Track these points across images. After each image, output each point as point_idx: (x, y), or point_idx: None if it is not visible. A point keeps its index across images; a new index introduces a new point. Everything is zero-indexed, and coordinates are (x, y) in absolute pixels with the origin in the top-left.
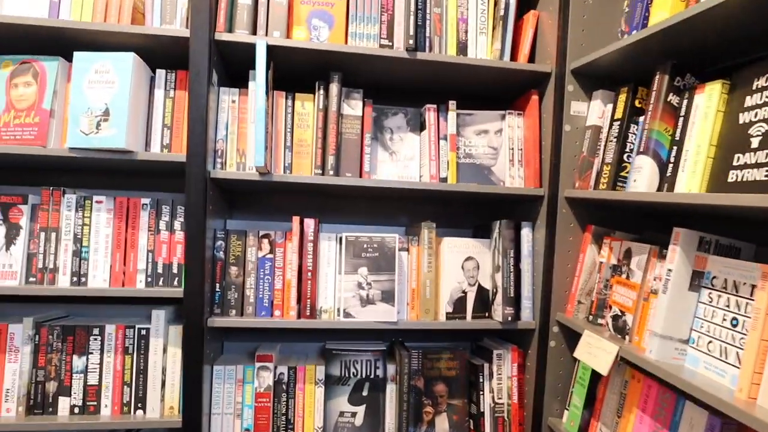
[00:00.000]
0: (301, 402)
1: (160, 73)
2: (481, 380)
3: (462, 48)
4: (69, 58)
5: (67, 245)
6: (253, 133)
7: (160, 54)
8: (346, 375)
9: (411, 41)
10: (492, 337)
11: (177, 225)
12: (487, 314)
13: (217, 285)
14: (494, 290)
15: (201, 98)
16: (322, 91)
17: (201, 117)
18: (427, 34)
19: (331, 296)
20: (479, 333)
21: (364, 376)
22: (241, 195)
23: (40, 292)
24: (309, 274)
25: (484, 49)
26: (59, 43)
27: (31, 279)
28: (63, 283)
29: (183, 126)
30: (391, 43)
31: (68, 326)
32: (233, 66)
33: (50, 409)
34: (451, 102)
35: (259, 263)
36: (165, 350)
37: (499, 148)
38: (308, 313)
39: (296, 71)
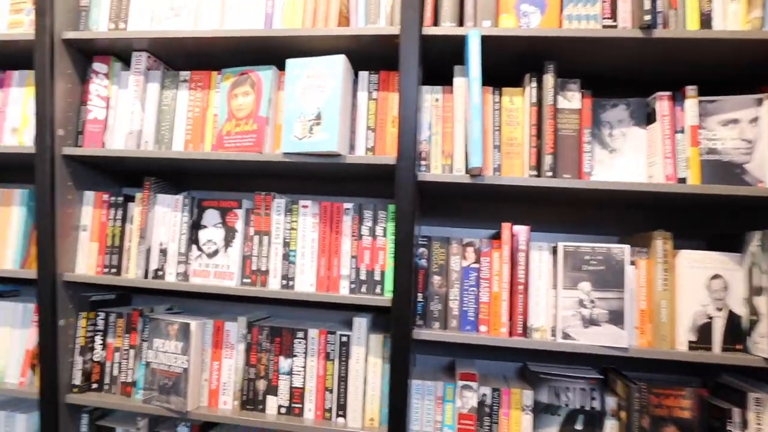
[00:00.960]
0: (505, 429)
1: (363, 74)
2: (729, 429)
3: (705, 21)
4: (280, 67)
5: (277, 249)
6: (462, 132)
7: (360, 55)
8: (557, 404)
9: (647, 17)
10: (734, 374)
11: (379, 230)
12: (740, 347)
13: (419, 295)
14: (752, 317)
15: (411, 97)
16: (533, 84)
17: (411, 117)
18: (659, 9)
19: (543, 313)
20: (716, 369)
21: (577, 407)
22: (433, 199)
23: (254, 294)
24: (520, 287)
25: (737, 20)
26: (271, 52)
27: (246, 280)
28: (273, 285)
29: (386, 128)
30: (615, 23)
31: (276, 327)
32: (430, 63)
33: (260, 407)
34: (689, 87)
35: (464, 273)
36: (366, 359)
37: (756, 140)
38: (519, 331)
39: (501, 64)
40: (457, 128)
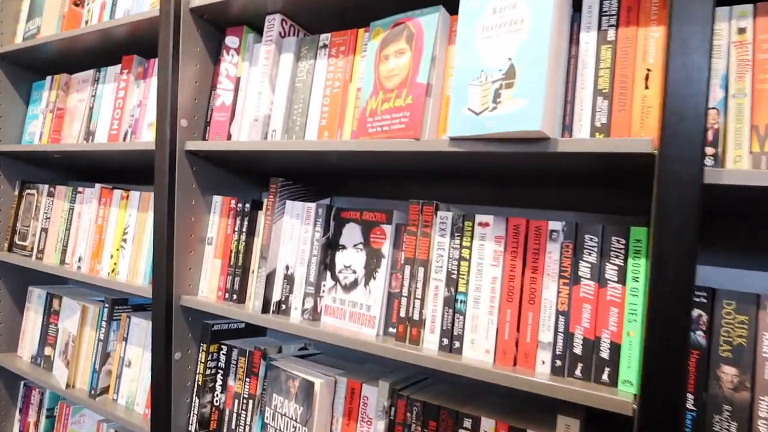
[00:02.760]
0: None
1: (591, 2)
2: None
3: None
4: (451, 9)
5: (438, 288)
6: None
7: None
8: None
9: None
10: None
11: (611, 271)
12: None
13: (691, 398)
14: None
15: (693, 29)
16: None
17: (695, 65)
18: None
19: None
20: None
21: None
22: (720, 221)
23: (399, 356)
24: None
25: None
26: None
27: (391, 329)
28: (429, 344)
29: (631, 91)
30: None
31: (431, 405)
32: None
33: None
34: None
35: None
36: None
37: None
38: None
39: None
40: None
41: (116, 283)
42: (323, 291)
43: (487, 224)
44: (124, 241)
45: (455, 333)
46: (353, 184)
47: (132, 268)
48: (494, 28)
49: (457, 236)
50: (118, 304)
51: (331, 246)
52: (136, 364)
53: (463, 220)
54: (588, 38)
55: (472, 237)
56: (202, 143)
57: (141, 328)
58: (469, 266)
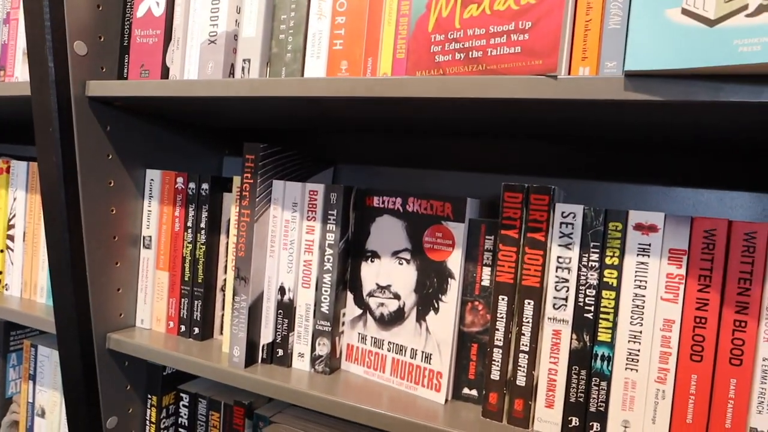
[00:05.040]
0: None
1: None
2: None
3: None
4: None
5: (560, 333)
6: None
7: None
8: None
9: None
10: None
11: None
12: None
13: None
14: None
15: None
16: None
17: None
18: None
19: None
20: None
21: None
22: None
23: None
24: None
25: None
26: None
27: (466, 391)
28: (545, 425)
29: None
30: None
31: None
32: None
33: None
34: None
35: None
36: None
37: None
38: None
39: None
40: None
41: (1, 307)
42: (345, 323)
43: (653, 228)
44: (10, 238)
45: (592, 409)
46: (368, 141)
47: (27, 281)
48: None
49: (596, 247)
50: (15, 328)
51: (353, 253)
52: (53, 413)
53: (606, 219)
54: None
55: (623, 249)
56: (115, 85)
57: (55, 361)
58: (617, 299)
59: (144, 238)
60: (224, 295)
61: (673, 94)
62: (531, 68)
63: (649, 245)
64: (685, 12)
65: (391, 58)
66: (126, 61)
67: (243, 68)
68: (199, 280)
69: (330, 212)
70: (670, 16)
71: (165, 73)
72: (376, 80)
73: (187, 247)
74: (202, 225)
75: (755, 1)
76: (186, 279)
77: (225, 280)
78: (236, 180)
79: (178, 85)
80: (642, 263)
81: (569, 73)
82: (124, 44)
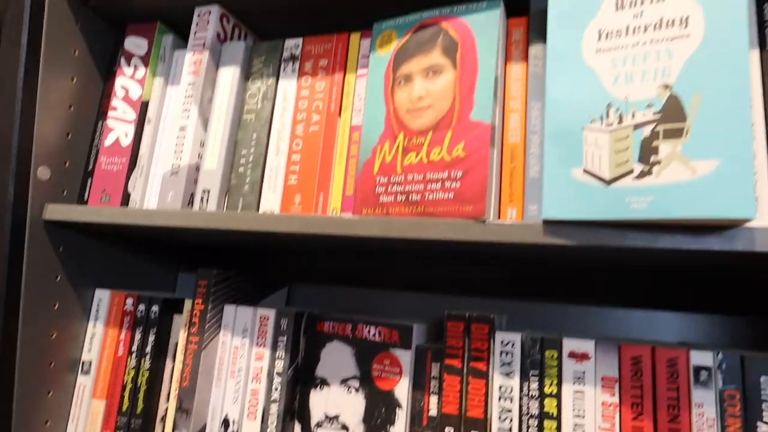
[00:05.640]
0: None
1: None
2: None
3: None
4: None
5: None
6: None
7: None
8: None
9: None
10: None
11: None
12: None
13: None
14: None
15: None
16: None
17: None
18: None
19: None
20: None
21: None
22: None
23: None
24: None
25: None
26: None
27: None
28: None
29: None
30: None
31: None
32: None
33: None
34: None
35: None
36: None
37: None
38: None
39: None
40: None
41: None
42: None
43: (585, 356)
44: None
45: None
46: (322, 261)
47: None
48: (624, 35)
49: (535, 375)
50: None
51: (302, 379)
52: None
53: (542, 347)
54: None
55: (560, 377)
56: (74, 210)
57: None
58: (558, 429)
59: (83, 363)
60: (164, 425)
61: (585, 240)
62: (462, 212)
63: (584, 373)
64: (586, 172)
65: (341, 195)
66: (89, 185)
67: (202, 198)
68: (138, 411)
69: (280, 338)
70: (575, 174)
71: (126, 198)
72: (327, 219)
73: (129, 373)
74: (148, 349)
75: (638, 166)
76: (124, 410)
77: (167, 409)
78: (187, 303)
79: (136, 213)
80: (579, 392)
81: (499, 213)
82: (89, 169)
